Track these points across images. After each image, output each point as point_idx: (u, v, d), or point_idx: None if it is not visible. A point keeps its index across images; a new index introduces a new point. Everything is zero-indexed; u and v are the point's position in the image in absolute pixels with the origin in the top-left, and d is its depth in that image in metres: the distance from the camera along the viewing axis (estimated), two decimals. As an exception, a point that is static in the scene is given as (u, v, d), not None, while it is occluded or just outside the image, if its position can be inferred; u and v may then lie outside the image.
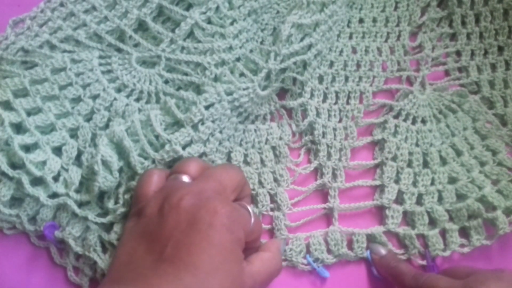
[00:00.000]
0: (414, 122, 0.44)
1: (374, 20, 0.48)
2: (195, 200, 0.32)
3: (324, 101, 0.45)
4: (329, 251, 0.40)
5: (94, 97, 0.40)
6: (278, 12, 0.46)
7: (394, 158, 0.42)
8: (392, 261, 0.39)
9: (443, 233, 0.40)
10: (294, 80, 0.44)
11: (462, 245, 0.40)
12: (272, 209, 0.41)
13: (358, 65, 0.46)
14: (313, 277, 0.40)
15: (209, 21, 0.43)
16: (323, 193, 0.43)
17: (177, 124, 0.39)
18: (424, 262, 0.40)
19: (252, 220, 0.34)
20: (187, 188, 0.33)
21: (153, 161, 0.38)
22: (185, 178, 0.35)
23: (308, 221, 0.41)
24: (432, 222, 0.41)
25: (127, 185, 0.38)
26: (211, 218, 0.31)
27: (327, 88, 0.45)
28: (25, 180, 0.37)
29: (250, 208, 0.35)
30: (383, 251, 0.40)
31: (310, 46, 0.43)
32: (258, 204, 0.41)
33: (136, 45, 0.43)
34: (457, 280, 0.35)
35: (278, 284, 0.39)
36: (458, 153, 0.42)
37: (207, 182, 0.34)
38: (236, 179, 0.36)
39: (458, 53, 0.47)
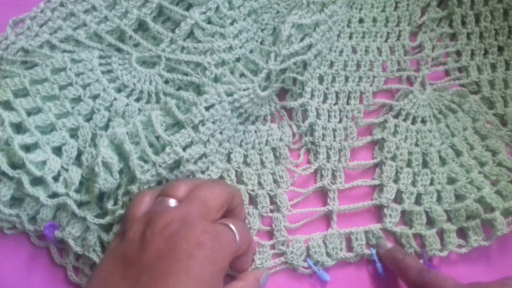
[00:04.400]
0: (414, 122, 0.44)
1: (374, 20, 0.48)
2: (178, 227, 0.31)
3: (324, 101, 0.45)
4: (328, 254, 0.40)
5: (94, 97, 0.40)
6: (278, 12, 0.46)
7: (393, 158, 0.42)
8: (399, 254, 0.39)
9: (441, 233, 0.40)
10: (294, 80, 0.44)
11: (460, 246, 0.40)
12: (271, 211, 0.41)
13: (358, 65, 0.46)
14: (313, 280, 0.40)
15: (209, 21, 0.43)
16: (322, 193, 0.43)
17: (178, 125, 0.39)
18: (420, 262, 0.40)
19: (237, 238, 0.33)
20: (171, 214, 0.32)
21: (153, 164, 0.38)
22: (172, 202, 0.34)
23: (307, 222, 0.41)
24: (430, 222, 0.41)
25: (126, 188, 0.38)
26: (192, 249, 0.30)
27: (327, 88, 0.45)
28: (25, 180, 0.37)
29: (232, 226, 0.34)
30: (389, 245, 0.40)
31: (310, 46, 0.43)
32: (257, 206, 0.41)
33: (136, 45, 0.43)
34: (462, 284, 0.34)
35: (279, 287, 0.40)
36: (458, 153, 0.42)
37: (191, 205, 0.33)
38: (222, 197, 0.35)
39: (458, 53, 0.47)
